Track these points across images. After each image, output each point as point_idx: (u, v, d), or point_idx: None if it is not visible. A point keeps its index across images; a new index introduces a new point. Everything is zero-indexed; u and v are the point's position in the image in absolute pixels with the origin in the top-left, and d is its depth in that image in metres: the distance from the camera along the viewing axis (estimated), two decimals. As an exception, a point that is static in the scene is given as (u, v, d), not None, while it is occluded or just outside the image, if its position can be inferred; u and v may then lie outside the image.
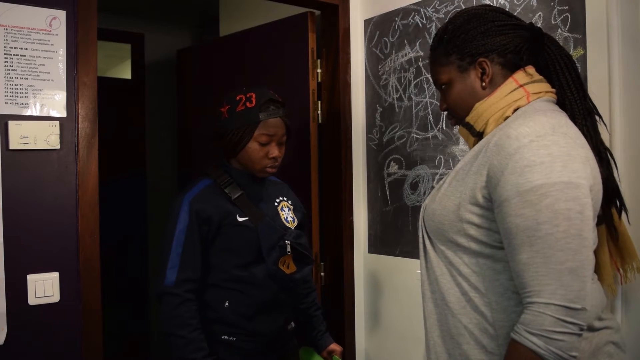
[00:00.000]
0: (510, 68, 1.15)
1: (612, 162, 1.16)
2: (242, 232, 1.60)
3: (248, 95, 1.63)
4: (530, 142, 0.99)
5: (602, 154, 1.13)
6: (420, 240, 1.21)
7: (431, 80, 1.99)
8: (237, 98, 1.63)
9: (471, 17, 1.16)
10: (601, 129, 1.17)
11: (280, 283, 1.63)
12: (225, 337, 1.59)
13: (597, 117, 1.17)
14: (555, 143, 0.99)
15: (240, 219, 1.61)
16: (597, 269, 1.19)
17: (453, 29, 1.17)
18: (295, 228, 1.72)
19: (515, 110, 1.12)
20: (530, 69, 1.15)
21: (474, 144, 1.17)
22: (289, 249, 1.62)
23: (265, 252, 1.60)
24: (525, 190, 0.97)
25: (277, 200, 1.75)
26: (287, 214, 1.73)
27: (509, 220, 1.00)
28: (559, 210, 0.95)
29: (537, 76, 1.15)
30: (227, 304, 1.59)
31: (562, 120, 1.06)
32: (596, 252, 1.15)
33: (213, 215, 1.58)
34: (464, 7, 1.86)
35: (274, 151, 1.63)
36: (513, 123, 1.06)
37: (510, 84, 1.13)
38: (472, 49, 1.14)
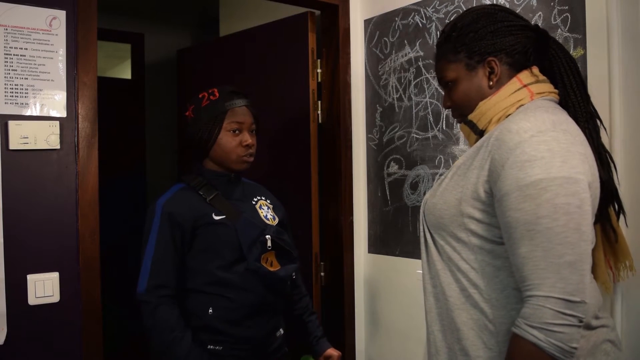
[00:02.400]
0: (517, 68, 1.15)
1: (612, 165, 1.17)
2: (219, 230, 1.56)
3: (210, 91, 1.64)
4: (530, 137, 1.00)
5: (603, 157, 1.14)
6: (422, 235, 1.22)
7: (431, 81, 1.99)
8: (200, 96, 1.64)
9: (480, 16, 1.16)
10: (601, 132, 1.18)
11: (264, 281, 1.57)
12: (212, 346, 1.54)
13: (598, 122, 1.18)
14: (555, 139, 1.00)
15: (216, 218, 1.57)
16: (593, 268, 1.19)
17: (462, 26, 1.17)
18: (277, 226, 1.68)
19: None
20: (535, 69, 1.16)
21: (476, 142, 1.17)
22: (269, 244, 1.59)
23: (245, 249, 1.56)
24: (526, 185, 0.98)
25: (255, 199, 1.72)
26: (266, 212, 1.70)
27: (509, 214, 1.00)
28: (558, 204, 0.96)
29: (542, 76, 1.16)
30: (210, 310, 1.54)
31: (562, 117, 1.07)
32: (592, 251, 1.16)
33: (187, 217, 1.54)
34: (464, 8, 1.86)
35: (247, 138, 1.62)
36: (514, 118, 1.08)
37: (514, 83, 1.14)
38: (481, 47, 1.14)
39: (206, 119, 1.60)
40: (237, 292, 1.55)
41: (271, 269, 1.59)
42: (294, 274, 1.69)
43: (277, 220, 1.72)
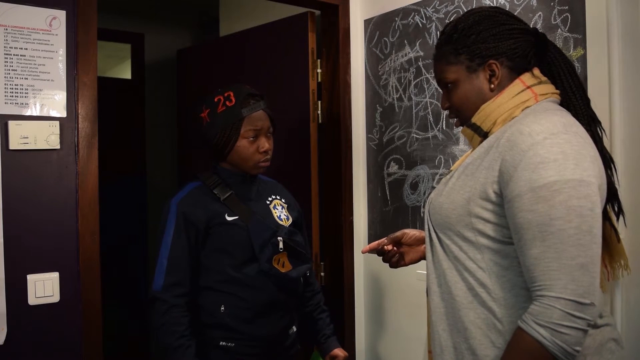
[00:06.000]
0: (517, 71, 1.16)
1: (613, 167, 1.17)
2: (232, 231, 1.57)
3: (226, 95, 1.60)
4: (544, 140, 1.01)
5: (606, 158, 1.14)
6: (427, 234, 1.22)
7: (431, 81, 1.99)
8: (216, 100, 1.61)
9: (482, 18, 1.16)
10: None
11: (275, 282, 1.59)
12: (224, 343, 1.56)
13: (598, 124, 1.18)
14: (568, 142, 1.01)
15: (229, 218, 1.58)
16: None
17: (464, 28, 1.17)
18: (290, 226, 1.68)
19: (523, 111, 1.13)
20: (537, 71, 1.16)
21: (479, 144, 1.17)
22: (281, 245, 1.59)
23: (257, 250, 1.57)
24: (539, 186, 0.99)
25: (270, 199, 1.72)
26: (280, 212, 1.70)
27: (521, 215, 1.01)
28: (572, 206, 0.97)
29: (543, 78, 1.16)
30: (223, 308, 1.56)
31: (571, 120, 1.08)
32: None
33: (201, 216, 1.56)
34: (464, 8, 1.86)
35: (264, 144, 1.61)
36: (524, 120, 1.07)
37: (517, 85, 1.14)
38: (482, 50, 1.14)
39: (222, 126, 1.58)
40: (248, 290, 1.57)
41: (283, 270, 1.60)
42: (307, 272, 1.69)
43: (290, 220, 1.72)
